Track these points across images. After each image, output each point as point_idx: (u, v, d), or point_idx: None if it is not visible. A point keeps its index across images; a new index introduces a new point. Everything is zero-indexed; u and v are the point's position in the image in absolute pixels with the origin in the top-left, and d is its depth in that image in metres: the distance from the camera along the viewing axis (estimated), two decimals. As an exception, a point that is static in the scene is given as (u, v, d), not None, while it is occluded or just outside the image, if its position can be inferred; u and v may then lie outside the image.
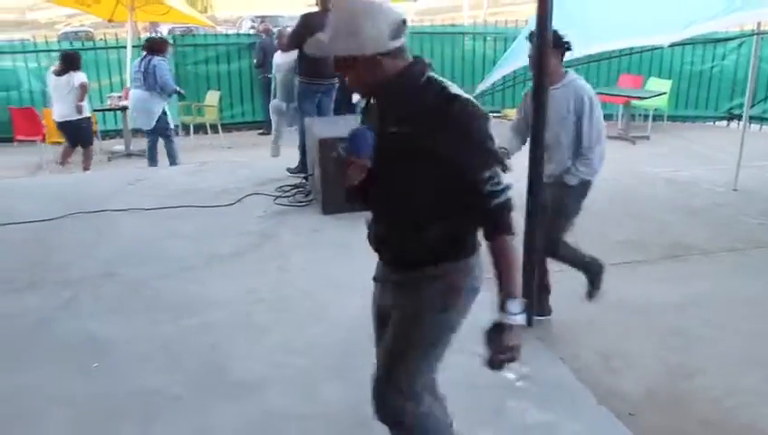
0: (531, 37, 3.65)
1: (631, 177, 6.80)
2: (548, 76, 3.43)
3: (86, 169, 8.19)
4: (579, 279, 4.27)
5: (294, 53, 7.94)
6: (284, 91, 8.01)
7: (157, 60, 7.68)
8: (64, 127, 8.05)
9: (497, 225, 1.85)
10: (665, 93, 9.53)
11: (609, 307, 3.89)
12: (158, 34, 12.57)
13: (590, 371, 3.24)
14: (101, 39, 11.85)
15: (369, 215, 2.10)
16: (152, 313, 3.79)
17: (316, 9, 6.61)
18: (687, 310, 3.89)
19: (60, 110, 7.96)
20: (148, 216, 5.34)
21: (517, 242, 1.94)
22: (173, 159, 7.97)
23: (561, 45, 3.60)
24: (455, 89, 1.87)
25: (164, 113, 7.80)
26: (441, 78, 1.91)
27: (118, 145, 9.72)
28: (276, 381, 3.09)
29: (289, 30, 8.41)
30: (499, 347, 1.85)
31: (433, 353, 2.05)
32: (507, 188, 1.84)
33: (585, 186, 3.76)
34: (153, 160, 8.00)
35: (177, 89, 8.17)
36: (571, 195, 3.77)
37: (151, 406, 2.90)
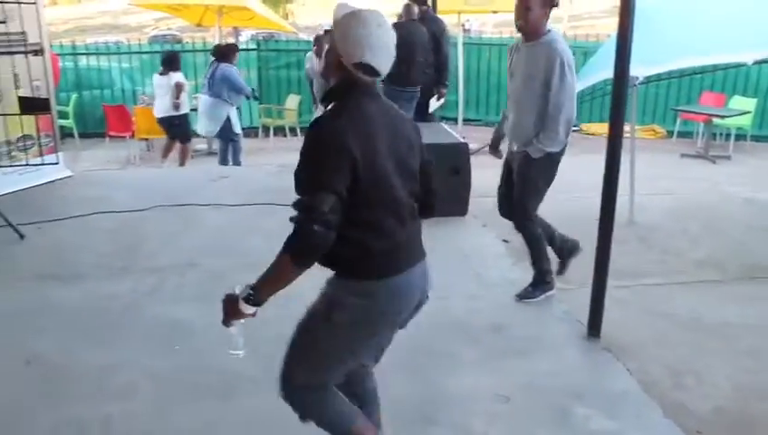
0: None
1: (710, 195, 6.67)
2: (626, 84, 3.40)
3: (180, 164, 8.54)
4: (651, 295, 4.28)
5: None
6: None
7: (222, 67, 7.86)
8: (161, 122, 8.48)
9: (288, 240, 1.92)
10: (749, 112, 9.26)
11: (682, 325, 3.87)
12: (235, 39, 12.95)
13: (659, 385, 3.22)
14: (188, 42, 12.37)
15: None
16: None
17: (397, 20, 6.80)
18: (764, 332, 3.81)
19: (158, 106, 8.43)
20: (230, 211, 5.57)
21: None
22: (235, 160, 8.25)
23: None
24: (329, 115, 1.98)
25: (228, 120, 7.95)
26: (360, 107, 1.98)
27: (200, 144, 10.13)
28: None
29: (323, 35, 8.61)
30: (224, 307, 2.05)
31: (315, 355, 2.17)
32: (313, 218, 1.87)
33: (551, 157, 3.70)
34: (224, 161, 8.30)
35: (251, 90, 8.37)
36: (537, 167, 3.71)
37: (230, 385, 3.07)
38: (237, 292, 2.02)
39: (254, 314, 2.05)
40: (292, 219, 1.92)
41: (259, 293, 1.99)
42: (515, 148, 3.83)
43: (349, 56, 1.96)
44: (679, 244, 5.22)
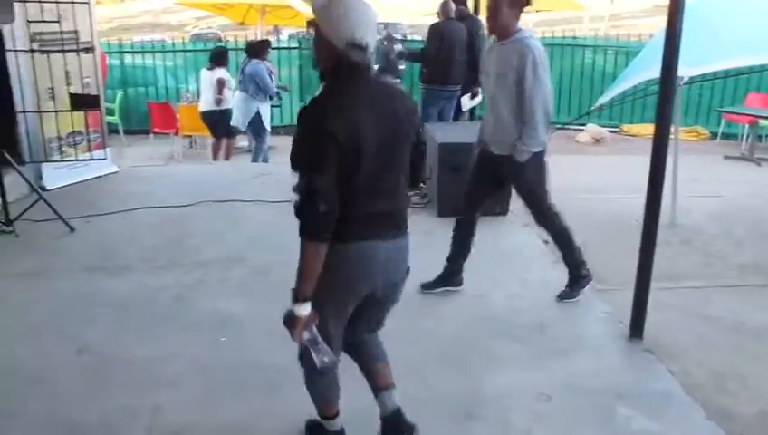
0: None
1: (754, 198, 6.54)
2: (673, 85, 3.39)
3: (225, 159, 8.63)
4: (693, 298, 4.23)
5: None
6: None
7: (253, 63, 7.96)
8: (203, 116, 8.58)
9: (300, 227, 2.06)
10: (797, 114, 9.05)
11: (725, 329, 3.83)
12: (276, 38, 13.06)
13: (701, 388, 3.20)
14: (228, 40, 12.51)
15: None
16: (276, 296, 4.00)
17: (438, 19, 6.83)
18: (809, 338, 3.75)
19: (202, 100, 8.56)
20: (272, 207, 5.63)
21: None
22: (255, 158, 8.32)
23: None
24: (318, 99, 2.08)
25: (258, 114, 8.07)
26: (351, 89, 2.06)
27: (242, 141, 10.26)
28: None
29: None
30: (287, 326, 2.15)
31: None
32: (306, 195, 2.02)
33: (537, 156, 3.70)
34: (264, 158, 8.38)
35: (276, 91, 8.42)
36: (527, 170, 3.73)
37: (276, 379, 3.11)
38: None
39: (312, 314, 2.13)
40: (295, 205, 2.05)
41: (301, 287, 2.10)
42: (496, 152, 3.81)
43: (339, 38, 2.03)
44: (723, 247, 5.15)
